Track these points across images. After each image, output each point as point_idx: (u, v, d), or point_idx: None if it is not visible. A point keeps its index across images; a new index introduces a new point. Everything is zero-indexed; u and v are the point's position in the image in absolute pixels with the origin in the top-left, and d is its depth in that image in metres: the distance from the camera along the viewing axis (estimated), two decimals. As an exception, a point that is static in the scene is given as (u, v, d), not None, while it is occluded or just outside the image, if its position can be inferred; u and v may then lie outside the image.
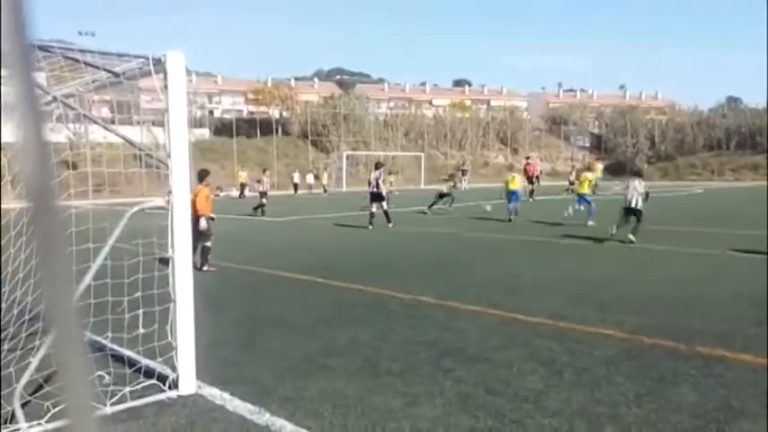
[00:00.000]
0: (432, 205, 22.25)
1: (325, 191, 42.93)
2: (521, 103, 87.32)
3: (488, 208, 22.43)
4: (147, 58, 4.38)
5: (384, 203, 17.12)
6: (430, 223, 17.86)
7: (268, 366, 5.08)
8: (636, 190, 13.13)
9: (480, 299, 7.50)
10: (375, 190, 17.03)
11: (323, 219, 20.72)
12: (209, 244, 10.23)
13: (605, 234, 13.23)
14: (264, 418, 4.02)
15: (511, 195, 19.35)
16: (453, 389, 4.48)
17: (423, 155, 54.38)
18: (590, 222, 16.78)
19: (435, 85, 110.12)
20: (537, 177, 30.36)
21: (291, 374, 4.86)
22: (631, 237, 12.82)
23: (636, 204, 13.03)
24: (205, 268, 10.08)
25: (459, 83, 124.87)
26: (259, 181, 25.19)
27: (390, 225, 16.81)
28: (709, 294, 7.66)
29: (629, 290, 8.02)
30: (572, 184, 30.45)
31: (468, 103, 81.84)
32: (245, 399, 4.34)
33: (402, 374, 4.82)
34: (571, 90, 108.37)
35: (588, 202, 17.53)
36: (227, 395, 4.43)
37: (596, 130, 71.61)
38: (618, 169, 62.31)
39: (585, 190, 17.83)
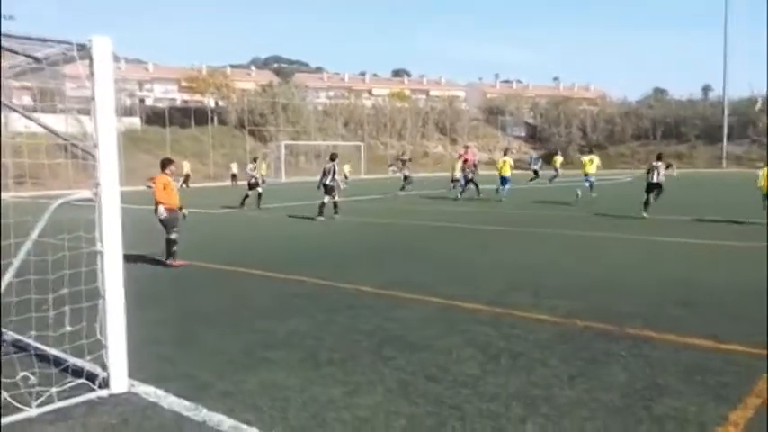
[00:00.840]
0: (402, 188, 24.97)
1: (263, 182, 42.09)
2: (459, 93, 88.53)
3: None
4: (72, 44, 4.16)
5: (336, 195, 16.99)
6: (371, 213, 17.89)
7: (205, 362, 4.96)
8: (657, 169, 16.59)
9: (421, 287, 7.58)
10: (327, 182, 16.83)
11: (262, 210, 20.41)
12: (173, 236, 9.69)
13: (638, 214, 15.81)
14: (201, 414, 3.93)
15: (502, 180, 22.43)
16: (394, 377, 4.51)
17: (363, 145, 54.39)
18: (593, 195, 21.38)
19: (375, 74, 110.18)
20: (475, 166, 30.94)
21: (229, 369, 4.77)
22: (645, 214, 15.81)
23: (657, 179, 16.45)
24: (168, 262, 9.60)
25: (398, 73, 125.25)
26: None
27: (337, 216, 16.72)
28: (637, 278, 8.01)
29: (563, 276, 8.29)
30: (536, 173, 32.41)
31: (407, 92, 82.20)
32: (181, 395, 4.22)
33: (343, 364, 4.81)
34: (507, 81, 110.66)
35: (591, 182, 21.92)
36: (161, 392, 4.30)
37: (531, 121, 73.53)
38: (551, 158, 64.38)
39: (592, 170, 22.19)
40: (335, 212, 16.90)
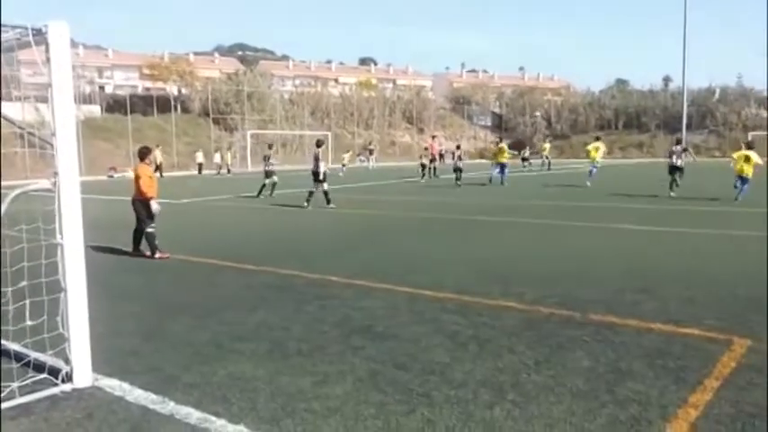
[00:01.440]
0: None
1: (228, 171, 41.55)
2: (426, 82, 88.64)
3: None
4: (27, 28, 4.01)
5: (325, 184, 16.59)
6: (339, 203, 17.81)
7: (171, 354, 4.89)
8: (677, 153, 18.82)
9: (389, 277, 7.60)
10: (315, 169, 16.50)
11: (228, 200, 20.17)
12: (151, 230, 9.35)
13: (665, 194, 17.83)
14: (169, 407, 3.87)
15: (500, 166, 23.95)
16: (363, 366, 4.52)
17: (329, 134, 54.05)
18: (588, 183, 22.44)
19: (341, 63, 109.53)
20: (441, 155, 31.37)
21: (197, 361, 4.71)
22: (672, 194, 17.74)
23: (679, 163, 18.62)
24: (157, 256, 9.29)
25: (364, 61, 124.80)
26: (266, 158, 20.98)
27: (332, 206, 16.24)
28: (599, 265, 8.18)
29: (529, 264, 8.41)
30: (525, 159, 36.71)
31: (374, 81, 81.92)
32: (147, 388, 4.16)
33: (311, 354, 4.80)
34: (473, 71, 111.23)
35: (595, 168, 23.51)
36: (126, 386, 4.22)
37: (497, 110, 74.12)
38: (517, 147, 65.12)
39: (599, 157, 23.93)
40: (328, 202, 16.35)
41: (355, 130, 60.77)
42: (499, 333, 5.25)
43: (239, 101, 54.02)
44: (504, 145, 25.27)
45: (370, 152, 46.14)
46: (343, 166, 36.19)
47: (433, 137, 37.31)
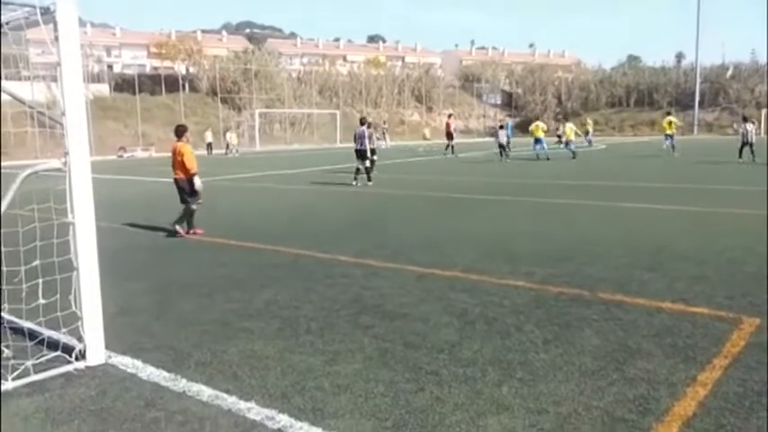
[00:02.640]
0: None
1: (236, 151, 40.57)
2: (435, 60, 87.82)
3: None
4: (35, 7, 4.00)
5: (368, 162, 16.95)
6: (344, 181, 17.80)
7: (183, 332, 4.95)
8: (748, 129, 22.12)
9: (397, 256, 7.61)
10: (360, 147, 16.93)
11: (237, 179, 20.21)
12: (195, 207, 9.48)
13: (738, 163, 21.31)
14: (180, 384, 3.93)
15: (537, 142, 26.09)
16: (372, 344, 4.55)
17: (338, 113, 53.85)
18: (676, 154, 25.81)
19: (349, 40, 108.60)
20: (451, 134, 31.30)
21: (208, 339, 4.76)
22: (752, 158, 21.63)
23: (750, 139, 21.97)
24: (192, 231, 9.44)
25: (373, 39, 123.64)
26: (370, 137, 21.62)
27: (370, 183, 16.72)
28: (608, 244, 8.15)
29: (537, 243, 8.39)
30: (560, 137, 34.28)
31: (382, 59, 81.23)
32: (160, 366, 4.22)
33: (321, 333, 4.84)
34: (483, 48, 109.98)
35: (672, 137, 27.04)
36: (139, 363, 4.28)
37: (507, 88, 73.38)
38: (527, 126, 64.69)
39: (672, 130, 27.19)
40: (369, 180, 16.90)
41: (364, 108, 60.45)
42: (508, 311, 5.26)
43: (247, 79, 53.83)
44: (539, 123, 27.31)
45: (384, 131, 46.04)
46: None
47: (450, 115, 36.88)
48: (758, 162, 21.17)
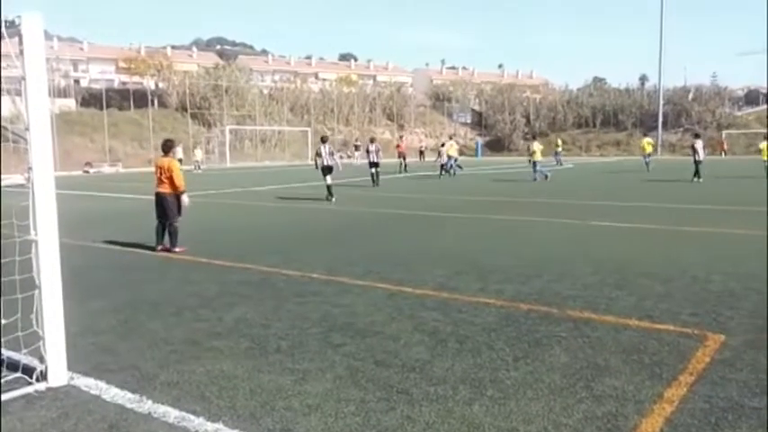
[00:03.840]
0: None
1: (197, 168, 39.59)
2: (406, 78, 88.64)
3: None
4: (-1, 20, 3.92)
5: (329, 178, 17.44)
6: (317, 199, 17.76)
7: (149, 352, 4.83)
8: (696, 148, 23.28)
9: (368, 273, 7.60)
10: (325, 163, 17.40)
11: (206, 196, 19.99)
12: (176, 223, 9.37)
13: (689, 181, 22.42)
14: (146, 405, 3.83)
15: (535, 164, 24.86)
16: (343, 363, 4.51)
17: (309, 130, 53.82)
18: (649, 171, 28.82)
19: (321, 58, 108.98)
20: (421, 152, 33.02)
21: (175, 359, 4.66)
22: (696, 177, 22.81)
23: (698, 157, 23.02)
24: (177, 249, 9.27)
25: (345, 57, 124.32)
26: (368, 152, 23.61)
27: (332, 200, 17.09)
28: (577, 262, 8.26)
29: (507, 259, 8.46)
30: (557, 153, 39.58)
31: (354, 77, 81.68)
32: (124, 387, 4.10)
33: (291, 352, 4.78)
34: (453, 67, 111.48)
35: (648, 156, 30.38)
36: (103, 384, 4.16)
37: (477, 107, 74.40)
38: (497, 145, 65.56)
39: (650, 150, 30.61)
40: (330, 196, 17.29)
41: (335, 126, 60.58)
42: (479, 329, 5.28)
43: (218, 95, 53.53)
44: (537, 148, 25.19)
45: (356, 148, 46.54)
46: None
47: (401, 136, 40.26)
48: (696, 181, 22.42)
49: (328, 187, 17.38)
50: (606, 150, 59.71)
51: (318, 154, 17.67)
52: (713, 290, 6.56)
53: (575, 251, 9.17)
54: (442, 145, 30.72)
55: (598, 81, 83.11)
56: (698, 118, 59.69)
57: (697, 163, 23.11)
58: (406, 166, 33.35)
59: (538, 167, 24.73)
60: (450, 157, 28.68)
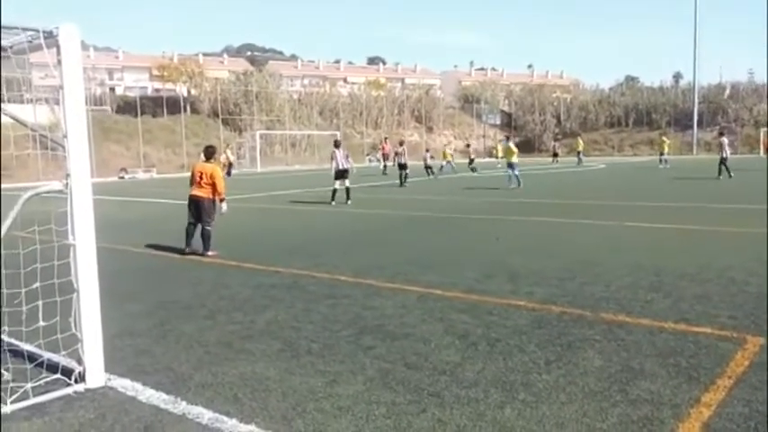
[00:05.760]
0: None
1: (228, 173, 39.14)
2: (434, 81, 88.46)
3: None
4: (38, 31, 4.05)
5: (346, 181, 17.66)
6: (342, 203, 17.83)
7: (183, 354, 4.92)
8: (723, 144, 23.84)
9: (397, 275, 7.60)
10: (340, 167, 17.59)
11: (237, 200, 20.25)
12: (209, 228, 9.57)
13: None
14: (181, 406, 3.90)
15: (510, 166, 21.75)
16: (374, 365, 4.52)
17: (338, 133, 54.04)
18: (667, 167, 31.03)
19: (350, 62, 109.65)
20: (388, 156, 35.39)
21: (208, 361, 4.73)
22: (725, 174, 23.05)
23: (725, 154, 23.39)
24: (209, 253, 9.44)
25: (373, 60, 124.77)
26: (397, 153, 25.94)
27: (349, 203, 17.27)
28: (609, 263, 8.12)
29: (538, 262, 8.37)
30: (555, 154, 43.47)
31: (383, 81, 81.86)
32: (159, 388, 4.19)
33: (322, 354, 4.81)
34: (482, 69, 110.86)
35: (666, 160, 32.50)
36: (139, 386, 4.25)
37: (506, 108, 73.80)
38: (527, 146, 64.93)
39: (666, 150, 32.97)
40: (348, 199, 17.49)
41: (364, 129, 60.76)
42: (510, 332, 5.23)
43: (248, 101, 54.19)
44: (511, 144, 22.86)
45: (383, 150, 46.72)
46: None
47: (385, 138, 41.28)
48: (725, 179, 22.41)
49: (346, 190, 17.62)
50: (639, 150, 58.58)
51: (333, 158, 17.83)
52: (751, 291, 6.38)
53: (607, 252, 9.01)
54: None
55: (630, 80, 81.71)
56: (735, 116, 58.13)
57: (723, 160, 23.19)
58: (386, 167, 34.40)
59: (516, 171, 21.31)
60: (448, 161, 32.20)
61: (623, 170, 33.04)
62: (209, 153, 9.96)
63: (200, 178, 9.59)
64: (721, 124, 52.75)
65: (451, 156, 33.92)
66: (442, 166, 31.77)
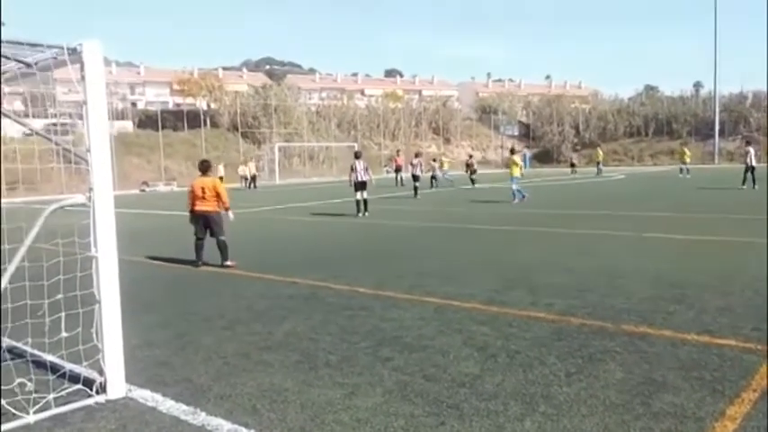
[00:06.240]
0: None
1: (249, 186, 39.43)
2: (451, 92, 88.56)
3: None
4: (62, 48, 4.14)
5: (365, 193, 17.68)
6: (362, 213, 17.86)
7: (202, 365, 4.95)
8: (750, 153, 22.67)
9: (415, 287, 7.58)
10: (359, 179, 17.62)
11: (255, 212, 20.38)
12: (223, 238, 9.74)
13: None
14: (200, 418, 3.92)
15: (512, 179, 20.75)
16: (392, 377, 4.51)
17: (356, 145, 54.28)
18: (688, 176, 31.95)
19: (367, 75, 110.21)
20: (401, 168, 36.25)
21: (227, 372, 4.75)
22: (752, 185, 22.23)
23: (751, 163, 22.60)
24: (228, 263, 9.59)
25: (390, 73, 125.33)
26: (412, 165, 27.19)
27: (366, 214, 17.29)
28: (630, 274, 8.02)
29: (556, 273, 8.29)
30: (573, 165, 44.53)
31: (400, 93, 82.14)
32: (179, 399, 4.21)
33: (340, 366, 4.81)
34: (499, 80, 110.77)
35: (688, 170, 33.04)
36: (158, 397, 4.28)
37: (524, 119, 73.59)
38: (545, 157, 64.57)
39: (687, 160, 33.71)
40: (365, 210, 17.51)
41: (382, 141, 60.95)
42: (529, 344, 5.19)
43: (267, 114, 54.71)
44: (516, 157, 21.28)
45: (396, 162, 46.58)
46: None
47: (398, 151, 42.13)
48: (755, 189, 21.60)
49: (364, 202, 17.57)
50: (659, 159, 57.95)
51: (353, 169, 17.78)
52: (778, 303, 6.25)
53: (628, 264, 8.91)
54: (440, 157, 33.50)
55: (650, 89, 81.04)
56: (757, 125, 57.26)
57: (750, 169, 22.58)
58: (402, 179, 34.24)
59: (515, 185, 20.45)
60: (444, 171, 33.27)
61: (643, 180, 32.72)
62: (205, 167, 10.10)
63: (203, 193, 9.73)
64: (744, 133, 51.99)
65: (449, 164, 34.95)
66: (433, 177, 30.98)
